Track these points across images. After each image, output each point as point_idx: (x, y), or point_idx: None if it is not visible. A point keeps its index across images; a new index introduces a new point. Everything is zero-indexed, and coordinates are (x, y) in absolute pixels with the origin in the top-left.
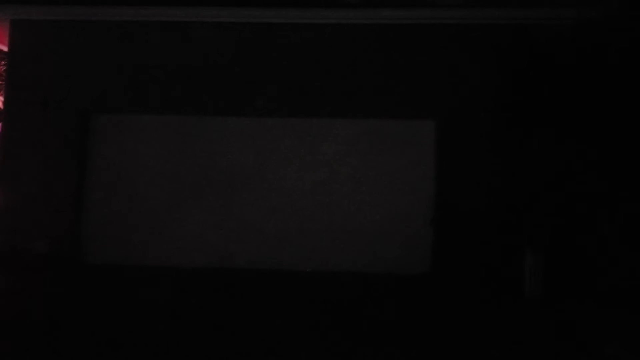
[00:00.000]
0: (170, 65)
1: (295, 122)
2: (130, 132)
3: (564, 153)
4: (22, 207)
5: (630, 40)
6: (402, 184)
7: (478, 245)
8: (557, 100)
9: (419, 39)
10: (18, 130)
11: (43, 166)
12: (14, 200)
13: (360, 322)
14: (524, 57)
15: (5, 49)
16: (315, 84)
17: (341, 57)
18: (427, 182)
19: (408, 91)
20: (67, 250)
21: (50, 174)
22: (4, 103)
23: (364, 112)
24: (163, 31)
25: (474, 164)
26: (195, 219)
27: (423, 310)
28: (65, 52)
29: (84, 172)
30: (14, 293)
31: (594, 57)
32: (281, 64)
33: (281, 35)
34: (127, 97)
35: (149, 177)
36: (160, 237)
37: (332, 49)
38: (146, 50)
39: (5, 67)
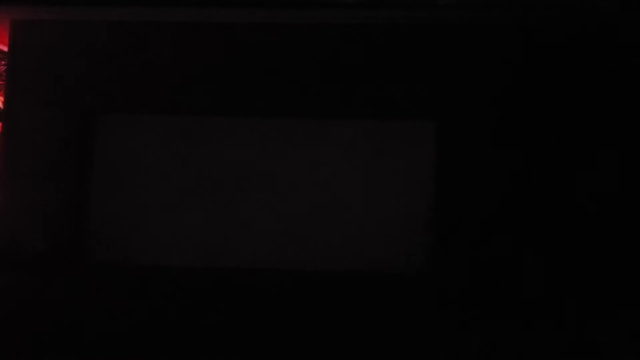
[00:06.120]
0: (171, 65)
1: (294, 123)
2: (130, 132)
3: (565, 154)
4: (22, 207)
5: (631, 42)
6: (401, 184)
7: (478, 245)
8: (559, 101)
9: (419, 39)
10: (18, 130)
11: (43, 166)
12: (14, 200)
13: (359, 323)
14: (525, 57)
15: (5, 49)
16: (315, 84)
17: (341, 57)
18: (426, 182)
19: (408, 92)
20: (67, 249)
21: (51, 174)
22: (4, 103)
23: (364, 113)
24: (164, 31)
25: (474, 164)
26: (196, 219)
27: (422, 310)
28: (66, 52)
29: (85, 171)
30: (13, 293)
31: (594, 57)
32: (281, 65)
33: (281, 36)
34: (127, 98)
35: (150, 177)
36: (161, 237)
37: (332, 50)
38: (147, 50)
39: (5, 67)
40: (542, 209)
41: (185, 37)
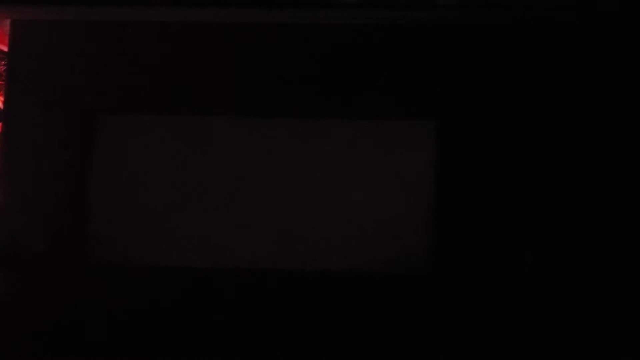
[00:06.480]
0: (171, 65)
1: (294, 122)
2: (131, 132)
3: (565, 153)
4: (22, 207)
5: (630, 42)
6: (401, 184)
7: (478, 245)
8: (559, 101)
9: (419, 39)
10: (18, 130)
11: (43, 166)
12: (14, 200)
13: (360, 323)
14: (524, 57)
15: (5, 49)
16: (315, 84)
17: (341, 57)
18: (426, 182)
19: (408, 91)
20: (67, 250)
21: (51, 174)
22: (4, 103)
23: (364, 113)
24: (164, 31)
25: (474, 164)
26: (196, 219)
27: (422, 310)
28: (66, 52)
29: (85, 172)
30: (13, 293)
31: (594, 57)
32: (281, 65)
33: (281, 36)
34: (127, 97)
35: (150, 177)
36: (161, 237)
37: (332, 49)
38: (147, 50)
39: (5, 67)
40: (542, 209)
41: (185, 37)
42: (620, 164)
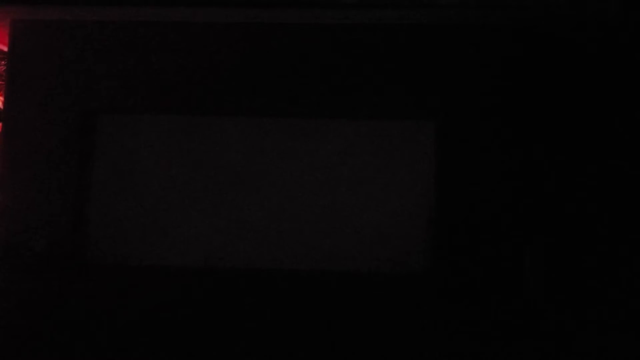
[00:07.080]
0: (171, 65)
1: (294, 122)
2: (130, 132)
3: (565, 154)
4: (22, 207)
5: (630, 42)
6: (401, 184)
7: (478, 244)
8: (558, 102)
9: (419, 39)
10: (18, 130)
11: (43, 166)
12: (14, 200)
13: (360, 323)
14: (524, 57)
15: (5, 49)
16: (315, 84)
17: (341, 57)
18: (426, 182)
19: (408, 91)
20: (67, 250)
21: (51, 174)
22: (4, 103)
23: (364, 113)
24: (163, 31)
25: (474, 164)
26: (196, 219)
27: (422, 310)
28: (66, 52)
29: (84, 172)
30: (13, 293)
31: (594, 58)
32: (281, 64)
33: (281, 36)
34: (127, 97)
35: (150, 177)
36: (160, 237)
37: (332, 49)
38: (147, 50)
39: (5, 67)
40: (542, 209)
41: (185, 37)
42: (619, 163)
